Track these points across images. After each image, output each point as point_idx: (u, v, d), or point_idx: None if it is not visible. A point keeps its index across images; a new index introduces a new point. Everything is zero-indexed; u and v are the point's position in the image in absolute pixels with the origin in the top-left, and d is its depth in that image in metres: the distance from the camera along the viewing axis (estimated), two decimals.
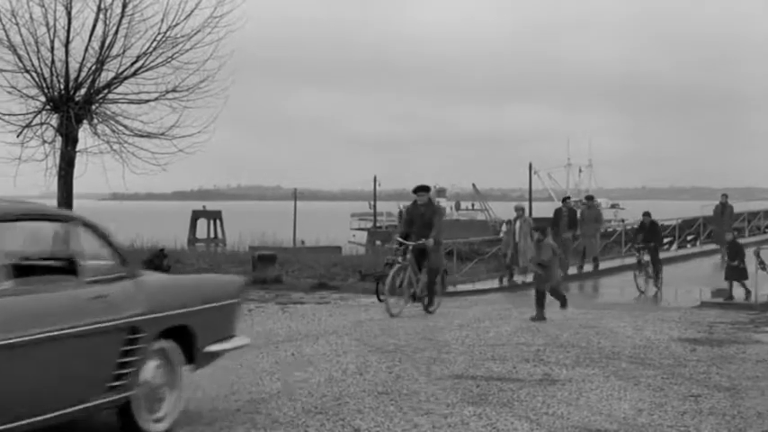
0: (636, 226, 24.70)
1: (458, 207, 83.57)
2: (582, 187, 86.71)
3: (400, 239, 14.95)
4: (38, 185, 19.13)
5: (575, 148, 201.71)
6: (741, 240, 21.76)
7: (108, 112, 18.62)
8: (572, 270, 23.08)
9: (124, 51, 18.28)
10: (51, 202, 18.44)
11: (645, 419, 7.37)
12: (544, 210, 47.67)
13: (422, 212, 14.86)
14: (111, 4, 18.04)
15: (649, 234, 20.97)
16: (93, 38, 18.09)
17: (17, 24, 17.62)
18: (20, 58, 17.87)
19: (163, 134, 18.55)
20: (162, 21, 18.18)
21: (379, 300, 15.95)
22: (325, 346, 10.94)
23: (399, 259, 14.85)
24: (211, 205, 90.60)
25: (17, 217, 5.88)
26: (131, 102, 18.74)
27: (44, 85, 18.08)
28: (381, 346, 11.09)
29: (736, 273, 17.52)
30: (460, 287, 20.58)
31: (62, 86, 18.10)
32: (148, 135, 18.59)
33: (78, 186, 18.88)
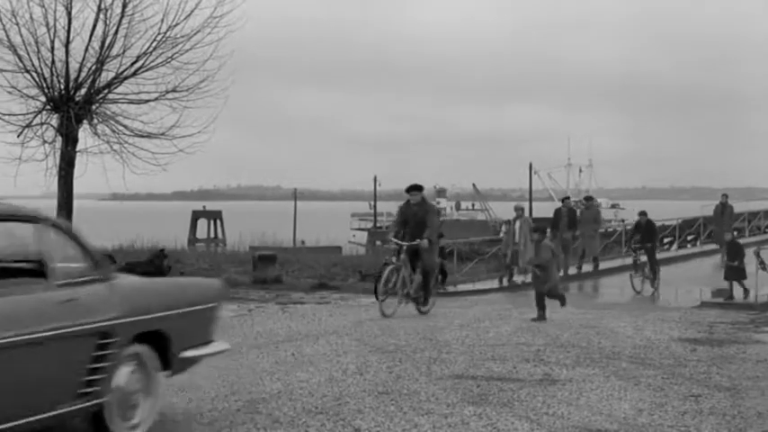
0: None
1: (458, 207, 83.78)
2: (582, 187, 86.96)
3: (396, 240, 14.84)
4: (38, 185, 19.22)
5: (575, 148, 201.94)
6: (741, 240, 21.77)
7: (108, 112, 18.66)
8: (572, 270, 23.11)
9: (124, 51, 18.34)
10: (51, 202, 18.52)
11: (645, 419, 7.37)
12: (544, 210, 47.73)
13: (415, 212, 14.79)
14: (111, 4, 18.11)
15: (646, 234, 20.95)
16: (93, 38, 18.15)
17: (17, 24, 17.69)
18: (20, 58, 17.92)
19: (163, 134, 18.60)
20: (162, 21, 18.26)
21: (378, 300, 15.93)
22: (326, 346, 10.93)
23: (393, 260, 14.82)
24: (211, 205, 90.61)
25: None
26: (131, 102, 18.78)
27: (44, 85, 18.11)
28: (382, 346, 11.08)
29: (736, 273, 17.54)
30: (461, 287, 20.62)
31: (62, 86, 18.12)
32: (148, 135, 18.63)
33: (78, 186, 18.97)
